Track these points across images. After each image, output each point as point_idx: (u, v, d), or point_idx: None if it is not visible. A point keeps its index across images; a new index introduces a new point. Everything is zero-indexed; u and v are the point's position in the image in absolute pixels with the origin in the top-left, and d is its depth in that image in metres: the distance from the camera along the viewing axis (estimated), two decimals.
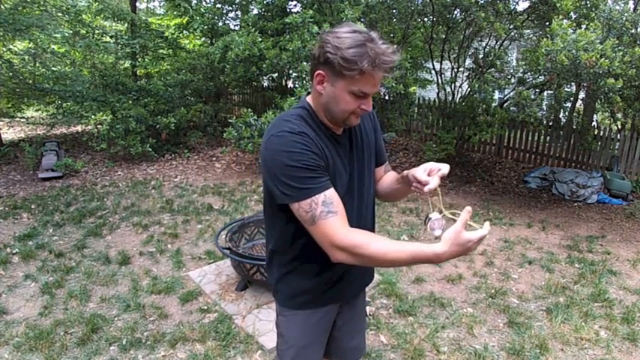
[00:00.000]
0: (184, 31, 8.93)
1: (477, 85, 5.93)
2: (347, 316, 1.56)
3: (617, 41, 4.55)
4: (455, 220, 1.07)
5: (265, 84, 9.32)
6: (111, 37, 8.57)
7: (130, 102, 7.39)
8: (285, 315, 1.44)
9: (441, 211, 1.19)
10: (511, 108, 6.07)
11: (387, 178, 1.52)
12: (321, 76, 1.18)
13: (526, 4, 6.32)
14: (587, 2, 5.11)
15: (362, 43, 1.10)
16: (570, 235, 4.67)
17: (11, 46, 7.98)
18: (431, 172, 1.22)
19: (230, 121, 6.05)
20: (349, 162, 1.33)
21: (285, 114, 1.27)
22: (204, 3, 8.69)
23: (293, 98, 5.66)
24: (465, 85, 6.78)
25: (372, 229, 1.46)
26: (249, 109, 6.09)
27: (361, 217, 1.38)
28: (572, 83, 5.84)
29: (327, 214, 1.12)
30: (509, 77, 6.21)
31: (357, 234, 1.14)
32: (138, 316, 2.91)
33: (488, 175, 6.99)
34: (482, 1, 5.81)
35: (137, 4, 9.78)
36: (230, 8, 8.77)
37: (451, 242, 1.04)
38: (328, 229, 1.12)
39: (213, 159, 7.37)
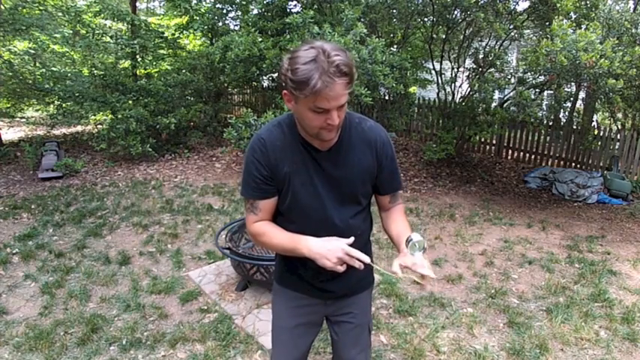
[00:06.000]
0: (184, 31, 8.94)
1: (477, 85, 5.93)
2: (339, 321, 1.57)
3: (617, 41, 4.56)
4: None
5: (265, 84, 9.33)
6: (111, 37, 8.57)
7: (130, 102, 7.38)
8: (275, 289, 1.60)
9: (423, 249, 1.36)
10: (511, 108, 6.07)
11: (390, 219, 1.50)
12: (287, 96, 1.22)
13: (526, 4, 6.31)
14: (587, 2, 5.11)
15: (312, 59, 1.10)
16: (570, 235, 4.67)
17: (11, 47, 7.99)
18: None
19: (230, 121, 6.05)
20: (321, 178, 1.35)
21: (277, 117, 1.42)
22: (204, 3, 8.69)
23: None
24: (465, 85, 6.79)
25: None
26: (249, 109, 6.09)
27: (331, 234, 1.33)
28: (572, 83, 5.83)
29: (249, 212, 1.40)
30: (509, 77, 6.21)
31: (262, 225, 1.38)
32: (138, 316, 2.91)
33: (488, 175, 6.99)
34: (482, 2, 5.80)
35: (137, 4, 9.78)
36: (230, 8, 8.77)
37: (324, 242, 1.26)
38: (247, 220, 1.42)
39: (213, 159, 7.37)
